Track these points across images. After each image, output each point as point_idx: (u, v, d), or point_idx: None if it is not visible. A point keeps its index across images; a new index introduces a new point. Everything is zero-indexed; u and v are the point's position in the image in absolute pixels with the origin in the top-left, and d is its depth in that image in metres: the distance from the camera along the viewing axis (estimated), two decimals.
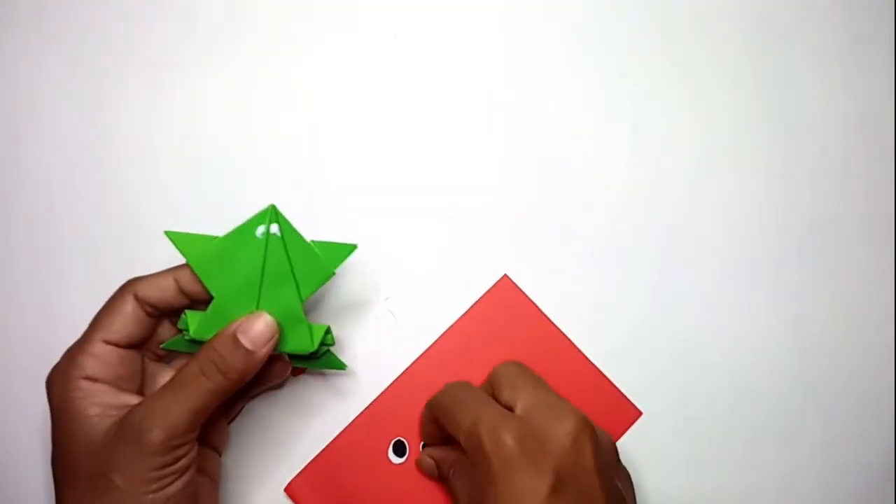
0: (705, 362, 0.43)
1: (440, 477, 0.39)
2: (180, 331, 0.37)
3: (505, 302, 0.42)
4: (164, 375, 0.37)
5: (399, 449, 0.40)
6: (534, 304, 0.42)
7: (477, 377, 0.40)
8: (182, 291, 0.36)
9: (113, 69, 0.44)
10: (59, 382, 0.34)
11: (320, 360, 0.38)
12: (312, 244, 0.36)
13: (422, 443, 0.40)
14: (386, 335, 0.42)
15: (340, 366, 0.38)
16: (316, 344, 0.36)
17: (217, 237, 0.36)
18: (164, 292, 0.36)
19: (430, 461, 0.39)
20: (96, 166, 0.43)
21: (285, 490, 0.40)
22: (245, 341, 0.34)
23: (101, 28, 0.45)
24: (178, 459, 0.32)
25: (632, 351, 0.42)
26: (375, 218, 0.43)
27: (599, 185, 0.44)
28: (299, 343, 0.36)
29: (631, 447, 0.41)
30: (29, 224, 0.43)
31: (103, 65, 0.44)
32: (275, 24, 0.45)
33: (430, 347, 0.42)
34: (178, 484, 0.33)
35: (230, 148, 0.44)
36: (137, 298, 0.35)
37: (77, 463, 0.33)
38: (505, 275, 0.43)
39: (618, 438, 0.41)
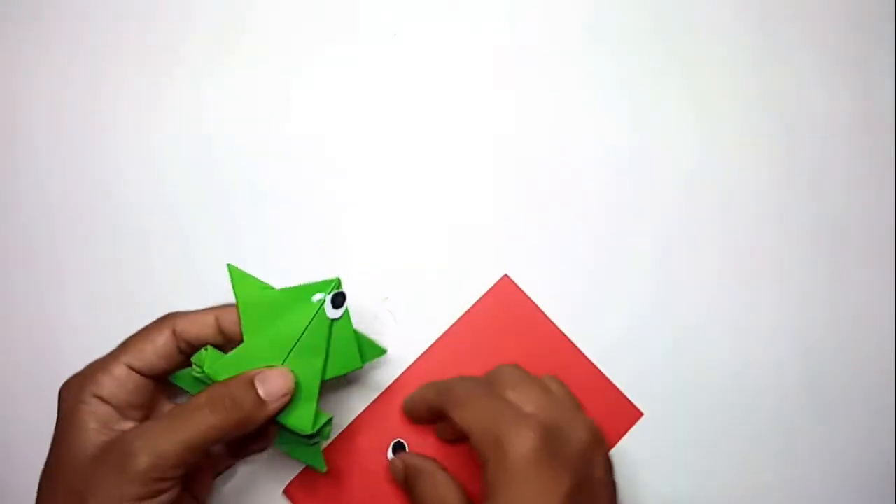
0: (706, 362, 0.43)
1: (404, 484, 0.38)
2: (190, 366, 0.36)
3: (505, 302, 0.42)
4: None
5: (398, 450, 0.40)
6: (534, 304, 0.42)
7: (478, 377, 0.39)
8: (221, 331, 0.36)
9: (112, 71, 0.44)
10: (73, 391, 0.34)
11: (305, 448, 0.36)
12: (355, 332, 0.36)
13: (392, 444, 0.40)
14: (386, 336, 0.42)
15: (319, 465, 0.37)
16: (315, 428, 0.35)
17: (273, 288, 0.35)
18: (203, 330, 0.35)
19: (401, 466, 0.39)
20: (93, 168, 0.43)
21: (284, 491, 0.40)
22: (261, 390, 0.33)
23: (100, 30, 0.45)
24: (158, 493, 0.31)
25: (632, 351, 0.42)
26: (375, 218, 0.43)
27: (599, 184, 0.44)
28: (300, 420, 0.35)
29: (632, 448, 0.41)
30: (25, 225, 0.43)
31: (102, 67, 0.44)
32: (274, 23, 0.45)
33: (430, 348, 0.41)
34: None
35: (229, 149, 0.44)
36: (175, 334, 0.35)
37: (60, 476, 0.32)
38: (505, 275, 0.43)
39: (619, 439, 0.41)
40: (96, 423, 0.33)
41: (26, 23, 0.45)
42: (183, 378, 0.36)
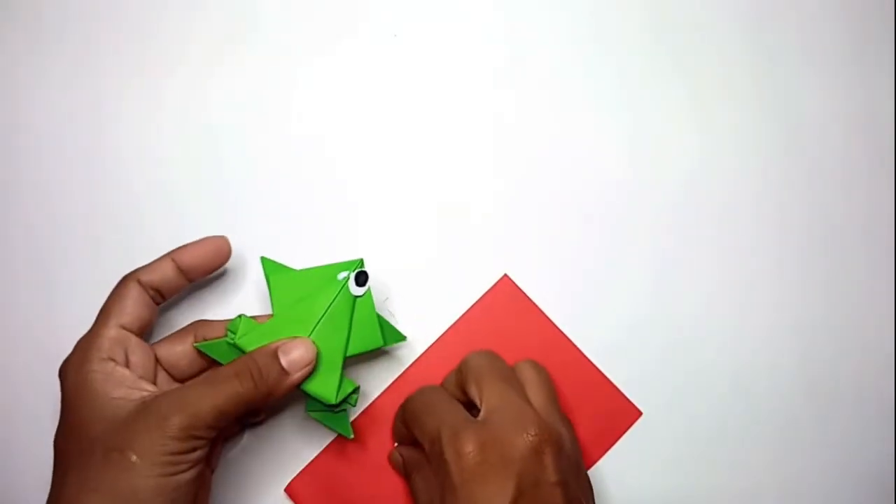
0: (705, 362, 0.43)
1: (405, 475, 0.39)
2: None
3: (505, 302, 0.42)
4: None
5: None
6: (534, 304, 0.42)
7: None
8: (181, 270, 0.37)
9: (114, 70, 0.44)
10: (77, 366, 0.35)
11: (333, 415, 0.38)
12: (378, 316, 0.38)
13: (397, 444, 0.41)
14: None
15: (346, 432, 0.38)
16: (338, 399, 0.36)
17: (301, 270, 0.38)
18: (164, 274, 0.37)
19: (400, 458, 0.39)
20: (96, 167, 0.43)
21: (285, 490, 0.40)
22: (283, 361, 0.35)
23: (103, 29, 0.45)
24: (193, 449, 0.33)
25: (632, 351, 0.42)
26: (375, 218, 0.43)
27: (599, 185, 0.44)
28: (324, 389, 0.36)
29: (631, 447, 0.41)
30: (28, 225, 0.43)
31: (105, 66, 0.44)
32: (275, 25, 0.45)
33: (429, 348, 0.42)
34: (188, 475, 0.33)
35: (230, 149, 0.44)
36: (141, 284, 0.37)
37: (93, 440, 0.33)
38: (505, 275, 0.43)
39: (617, 438, 0.41)
40: (121, 391, 0.34)
41: (29, 23, 0.45)
42: (211, 347, 0.37)
